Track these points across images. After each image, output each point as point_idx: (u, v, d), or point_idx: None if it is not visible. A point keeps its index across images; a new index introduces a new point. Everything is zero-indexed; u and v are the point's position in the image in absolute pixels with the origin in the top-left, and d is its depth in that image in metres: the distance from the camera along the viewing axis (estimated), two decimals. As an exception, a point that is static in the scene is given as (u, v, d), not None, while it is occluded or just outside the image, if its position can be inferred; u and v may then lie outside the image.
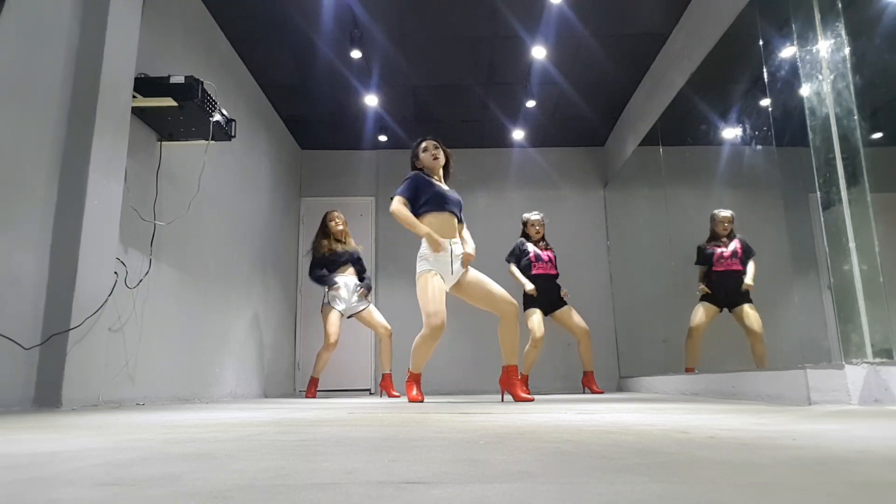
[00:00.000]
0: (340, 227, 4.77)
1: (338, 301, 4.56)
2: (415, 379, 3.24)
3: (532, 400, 3.02)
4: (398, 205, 3.16)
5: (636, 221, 5.60)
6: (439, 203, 3.17)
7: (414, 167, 3.33)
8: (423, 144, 3.31)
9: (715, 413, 1.71)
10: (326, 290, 4.61)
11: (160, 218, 3.19)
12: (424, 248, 3.14)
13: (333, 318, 4.52)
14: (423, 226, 3.13)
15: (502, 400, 3.25)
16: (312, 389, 4.63)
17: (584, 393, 4.97)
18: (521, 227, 4.91)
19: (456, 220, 3.23)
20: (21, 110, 2.25)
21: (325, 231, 4.77)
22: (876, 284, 2.17)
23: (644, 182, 5.28)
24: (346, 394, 5.68)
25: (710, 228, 4.02)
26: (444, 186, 3.28)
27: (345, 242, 4.78)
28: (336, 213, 4.84)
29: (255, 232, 4.86)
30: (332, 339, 4.48)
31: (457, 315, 5.73)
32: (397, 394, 4.70)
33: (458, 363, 5.83)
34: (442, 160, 3.29)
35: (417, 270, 3.16)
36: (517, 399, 3.04)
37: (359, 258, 4.79)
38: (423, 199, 3.17)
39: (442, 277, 3.11)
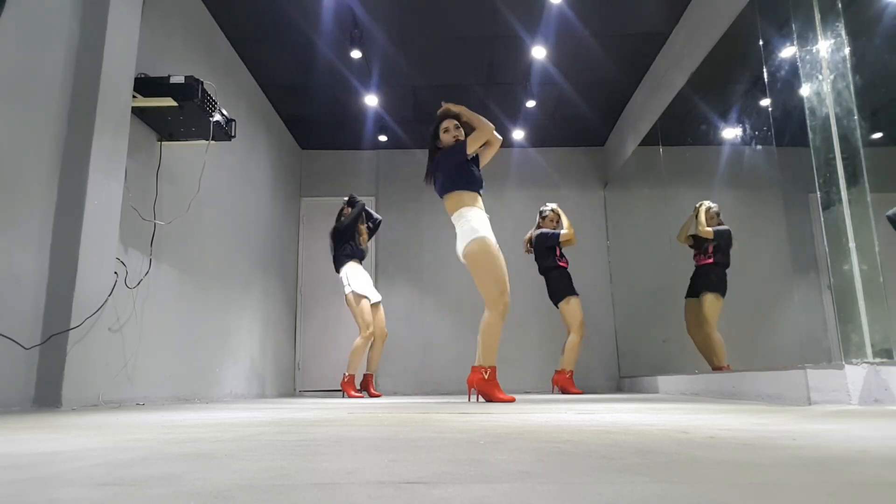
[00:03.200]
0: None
1: (368, 289, 4.56)
2: (495, 375, 2.90)
3: (513, 400, 2.93)
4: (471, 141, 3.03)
5: (636, 221, 5.60)
6: (478, 184, 3.08)
7: (434, 149, 3.19)
8: (444, 125, 3.18)
9: (715, 413, 1.71)
10: (347, 277, 4.57)
11: (160, 218, 3.19)
12: (479, 211, 2.99)
13: (365, 306, 4.52)
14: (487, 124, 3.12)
15: (469, 400, 3.16)
16: (352, 386, 4.53)
17: (553, 393, 4.97)
18: (541, 220, 4.94)
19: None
20: (21, 110, 2.25)
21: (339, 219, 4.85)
22: (876, 284, 2.17)
23: (644, 182, 5.28)
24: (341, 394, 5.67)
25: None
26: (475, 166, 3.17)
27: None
28: (347, 211, 4.89)
29: (255, 232, 4.86)
30: (371, 328, 4.48)
31: (460, 312, 5.74)
32: (378, 392, 4.78)
33: (459, 363, 5.82)
34: (463, 139, 3.14)
35: (474, 235, 2.91)
36: (496, 400, 2.94)
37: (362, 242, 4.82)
38: (463, 178, 3.04)
39: (497, 246, 2.96)
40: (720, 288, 3.84)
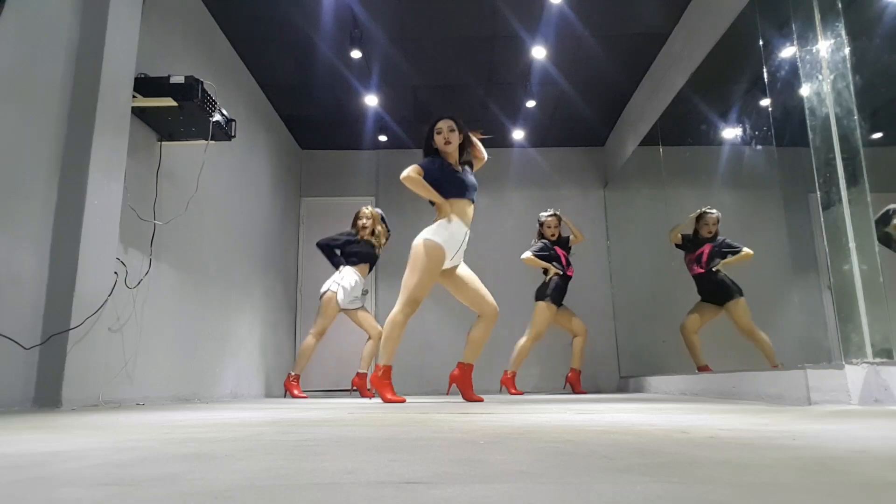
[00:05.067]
0: (364, 223, 4.71)
1: (341, 289, 4.51)
2: (389, 374, 2.97)
3: (481, 400, 3.03)
4: (412, 172, 3.00)
5: (636, 221, 5.60)
6: (459, 190, 3.07)
7: (428, 148, 3.16)
8: (438, 125, 3.13)
9: (715, 413, 1.71)
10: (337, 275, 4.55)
11: (160, 218, 3.19)
12: (445, 220, 3.02)
13: (333, 307, 4.50)
14: (438, 195, 3.03)
15: (448, 392, 3.29)
16: (296, 385, 4.55)
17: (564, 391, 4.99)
18: (539, 227, 4.94)
19: (472, 207, 3.15)
20: (21, 110, 2.25)
21: (354, 225, 4.77)
22: (876, 284, 2.17)
23: (644, 182, 5.28)
24: (341, 394, 5.67)
25: (694, 228, 4.06)
26: (459, 169, 3.13)
27: (372, 243, 4.73)
28: (365, 211, 4.78)
29: (255, 232, 4.86)
30: (323, 328, 4.49)
31: (460, 312, 5.74)
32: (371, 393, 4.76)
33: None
34: (456, 144, 3.11)
35: (425, 236, 2.97)
36: (467, 399, 3.07)
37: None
38: (442, 185, 3.05)
39: (443, 257, 2.99)
40: (740, 290, 3.81)
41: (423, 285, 2.94)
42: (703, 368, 3.85)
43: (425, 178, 3.06)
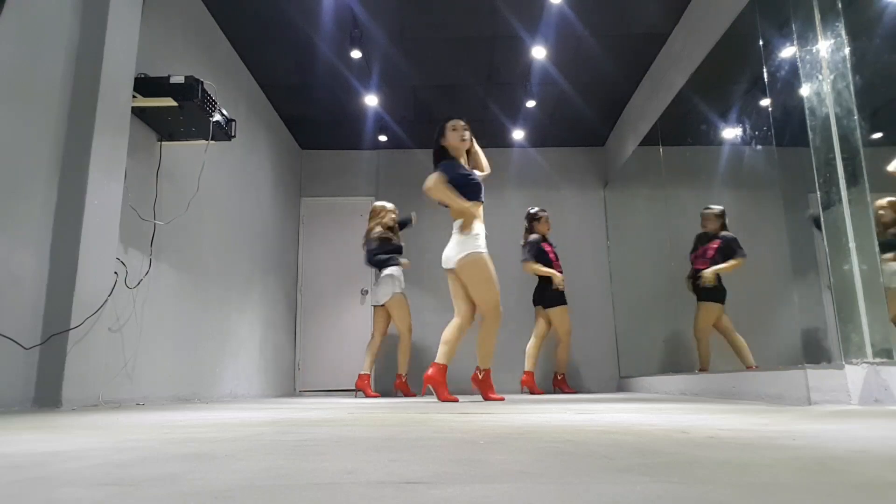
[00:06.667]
0: (393, 217, 4.91)
1: (398, 284, 4.68)
2: (489, 376, 3.15)
3: (456, 401, 3.05)
4: (438, 181, 3.00)
5: (636, 221, 5.60)
6: (477, 193, 3.12)
7: (438, 147, 3.18)
8: (452, 123, 3.17)
9: (715, 413, 1.71)
10: (400, 278, 4.68)
11: (160, 218, 3.19)
12: (477, 226, 3.07)
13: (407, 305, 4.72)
14: (467, 202, 3.05)
15: (423, 393, 3.35)
16: (368, 386, 4.70)
17: (554, 393, 5.01)
18: (531, 223, 4.95)
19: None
20: (21, 110, 2.25)
21: (381, 223, 4.87)
22: (876, 284, 2.17)
23: (644, 182, 5.28)
24: (341, 394, 5.67)
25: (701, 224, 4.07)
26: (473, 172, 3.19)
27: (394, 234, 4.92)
28: (388, 207, 4.91)
29: (255, 232, 4.86)
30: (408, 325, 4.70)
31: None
32: (413, 392, 4.86)
33: (460, 363, 5.81)
34: (468, 143, 3.17)
35: (471, 248, 3.02)
36: (441, 399, 3.09)
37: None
38: (464, 190, 3.08)
39: None
40: (716, 296, 3.83)
41: (497, 290, 3.08)
42: (703, 370, 3.85)
43: (450, 175, 3.08)
